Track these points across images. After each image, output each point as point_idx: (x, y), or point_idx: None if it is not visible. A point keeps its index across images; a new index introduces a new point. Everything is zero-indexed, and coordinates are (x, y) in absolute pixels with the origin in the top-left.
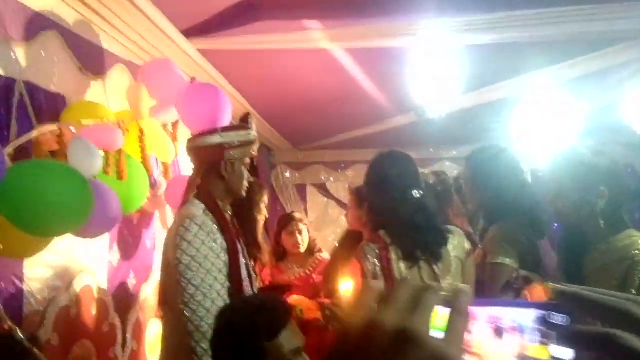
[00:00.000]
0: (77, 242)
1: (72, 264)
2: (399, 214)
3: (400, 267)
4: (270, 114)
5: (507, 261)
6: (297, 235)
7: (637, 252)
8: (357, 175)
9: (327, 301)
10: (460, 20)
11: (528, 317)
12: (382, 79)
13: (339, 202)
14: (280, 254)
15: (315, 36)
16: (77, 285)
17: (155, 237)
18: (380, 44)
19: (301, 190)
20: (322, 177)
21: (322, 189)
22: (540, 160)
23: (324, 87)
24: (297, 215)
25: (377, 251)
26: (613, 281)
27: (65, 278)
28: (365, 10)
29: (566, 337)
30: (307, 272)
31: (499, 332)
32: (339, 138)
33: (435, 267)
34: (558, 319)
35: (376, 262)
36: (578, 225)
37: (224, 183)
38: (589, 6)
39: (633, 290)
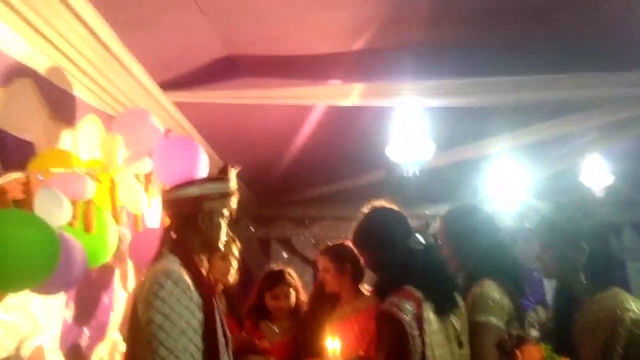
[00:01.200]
0: (32, 298)
1: (25, 321)
2: (423, 266)
3: (430, 324)
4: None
5: (493, 320)
6: (284, 300)
7: (620, 312)
8: (322, 232)
9: None
10: (432, 84)
11: None
12: (354, 135)
13: (303, 259)
14: (262, 313)
15: (290, 93)
16: (28, 347)
17: (114, 295)
18: (355, 103)
19: (265, 244)
20: (287, 233)
21: (286, 244)
22: (505, 219)
23: (294, 142)
24: (287, 276)
25: (412, 308)
26: (600, 339)
27: (16, 337)
28: (341, 70)
29: None
30: (287, 338)
31: None
32: (306, 193)
33: (455, 320)
34: None
35: (412, 320)
36: (565, 281)
37: (201, 236)
38: (550, 75)
39: (619, 348)
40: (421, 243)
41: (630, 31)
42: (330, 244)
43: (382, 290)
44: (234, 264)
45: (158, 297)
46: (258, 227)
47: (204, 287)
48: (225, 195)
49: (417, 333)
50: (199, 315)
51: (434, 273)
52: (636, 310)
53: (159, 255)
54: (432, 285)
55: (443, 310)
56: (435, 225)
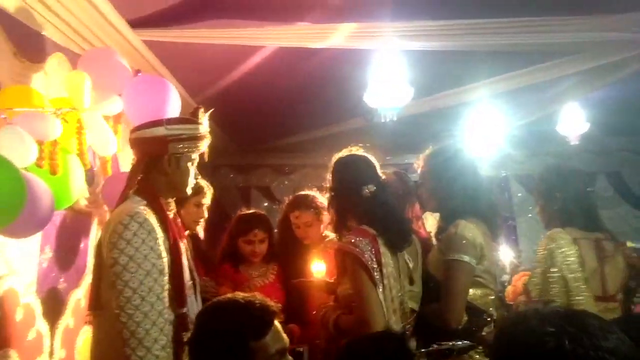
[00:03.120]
0: (5, 241)
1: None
2: (377, 208)
3: (387, 257)
4: (215, 112)
5: (466, 258)
6: (257, 245)
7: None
8: (302, 179)
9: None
10: (411, 26)
11: None
12: (331, 81)
13: (281, 206)
14: (237, 258)
15: (266, 34)
16: (1, 290)
17: (91, 239)
18: (331, 45)
19: (244, 193)
20: (267, 180)
21: (266, 192)
22: (483, 166)
23: (272, 87)
24: (260, 220)
25: (369, 244)
26: None
27: None
28: (318, 11)
29: None
30: (270, 280)
31: None
32: (285, 141)
33: (408, 256)
34: None
35: (371, 254)
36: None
37: (167, 179)
38: (530, 19)
39: None
40: (374, 189)
41: None
42: (306, 199)
43: (339, 229)
44: (205, 213)
45: (122, 238)
46: (238, 175)
47: (171, 229)
48: (194, 138)
49: (376, 266)
50: (166, 257)
51: (388, 213)
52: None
53: (124, 197)
54: (385, 224)
55: (395, 245)
56: (417, 166)
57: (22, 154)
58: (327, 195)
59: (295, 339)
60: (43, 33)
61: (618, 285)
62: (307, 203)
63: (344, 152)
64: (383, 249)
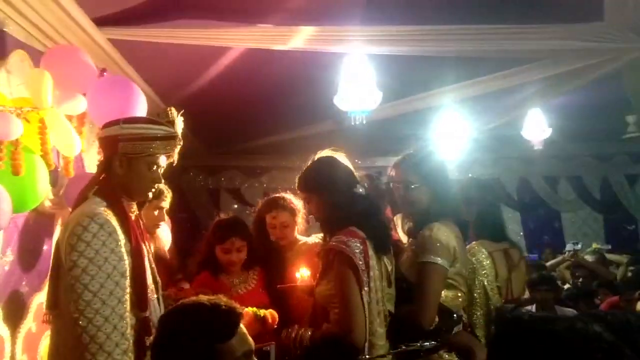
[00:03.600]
0: None
1: None
2: (368, 209)
3: (373, 260)
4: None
5: (439, 261)
6: (235, 254)
7: None
8: (272, 181)
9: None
10: (381, 30)
11: None
12: (302, 83)
13: (253, 208)
14: (216, 267)
15: (235, 35)
16: None
17: (54, 241)
18: (303, 47)
19: (214, 195)
20: (237, 183)
21: (236, 194)
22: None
23: (242, 89)
24: (237, 228)
25: (360, 246)
26: None
27: None
28: (291, 13)
29: None
30: (253, 286)
31: None
32: (255, 143)
33: (387, 259)
34: None
35: (361, 256)
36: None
37: (120, 180)
38: (496, 26)
39: None
40: (365, 189)
41: None
42: (282, 199)
43: (328, 230)
44: (165, 216)
45: (81, 240)
46: (207, 177)
47: (132, 231)
48: (148, 139)
49: (364, 267)
50: (127, 259)
51: (373, 216)
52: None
53: (83, 197)
54: (372, 227)
55: (381, 249)
56: (388, 172)
57: None
58: (306, 195)
59: (272, 325)
60: (4, 29)
61: (520, 289)
62: (283, 204)
63: (325, 153)
64: (371, 252)
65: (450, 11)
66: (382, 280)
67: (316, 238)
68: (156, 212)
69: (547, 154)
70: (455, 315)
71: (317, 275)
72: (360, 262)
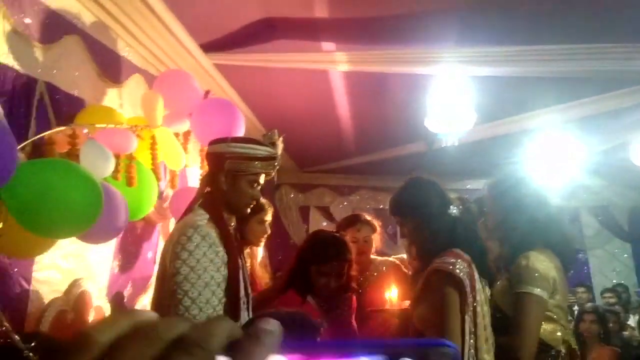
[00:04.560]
0: (87, 247)
1: (78, 268)
2: (467, 234)
3: (479, 284)
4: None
5: (537, 291)
6: (334, 279)
7: None
8: (361, 201)
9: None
10: (477, 51)
11: None
12: (394, 105)
13: None
14: (306, 286)
15: (332, 58)
16: (76, 290)
17: (157, 249)
18: (396, 69)
19: (304, 212)
20: (326, 200)
21: (325, 212)
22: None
23: (334, 109)
24: (344, 251)
25: (465, 267)
26: None
27: (68, 282)
28: (384, 36)
29: None
30: (343, 314)
31: None
32: (345, 162)
33: (484, 284)
34: None
35: (467, 278)
36: None
37: (223, 195)
38: (604, 45)
39: None
40: (459, 211)
41: None
42: (364, 216)
43: (430, 253)
44: (268, 229)
45: (185, 249)
46: (298, 194)
47: (230, 244)
48: (253, 159)
49: (470, 290)
50: (224, 270)
51: (474, 239)
52: None
53: (190, 209)
54: (474, 250)
55: (484, 273)
56: (480, 196)
57: (102, 166)
58: (400, 219)
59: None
60: (123, 55)
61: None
62: (366, 220)
63: (413, 177)
64: (477, 275)
65: (552, 29)
66: (488, 305)
67: (393, 258)
68: (260, 226)
69: None
70: (553, 349)
71: (404, 295)
72: (468, 286)
